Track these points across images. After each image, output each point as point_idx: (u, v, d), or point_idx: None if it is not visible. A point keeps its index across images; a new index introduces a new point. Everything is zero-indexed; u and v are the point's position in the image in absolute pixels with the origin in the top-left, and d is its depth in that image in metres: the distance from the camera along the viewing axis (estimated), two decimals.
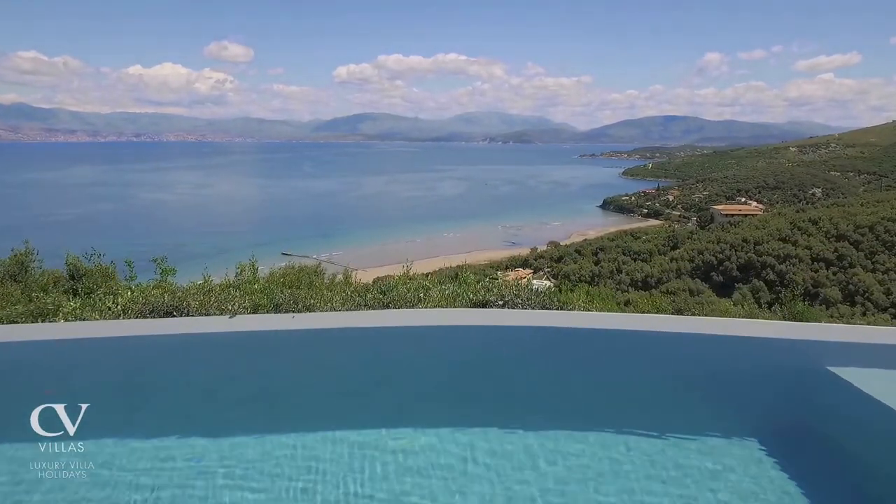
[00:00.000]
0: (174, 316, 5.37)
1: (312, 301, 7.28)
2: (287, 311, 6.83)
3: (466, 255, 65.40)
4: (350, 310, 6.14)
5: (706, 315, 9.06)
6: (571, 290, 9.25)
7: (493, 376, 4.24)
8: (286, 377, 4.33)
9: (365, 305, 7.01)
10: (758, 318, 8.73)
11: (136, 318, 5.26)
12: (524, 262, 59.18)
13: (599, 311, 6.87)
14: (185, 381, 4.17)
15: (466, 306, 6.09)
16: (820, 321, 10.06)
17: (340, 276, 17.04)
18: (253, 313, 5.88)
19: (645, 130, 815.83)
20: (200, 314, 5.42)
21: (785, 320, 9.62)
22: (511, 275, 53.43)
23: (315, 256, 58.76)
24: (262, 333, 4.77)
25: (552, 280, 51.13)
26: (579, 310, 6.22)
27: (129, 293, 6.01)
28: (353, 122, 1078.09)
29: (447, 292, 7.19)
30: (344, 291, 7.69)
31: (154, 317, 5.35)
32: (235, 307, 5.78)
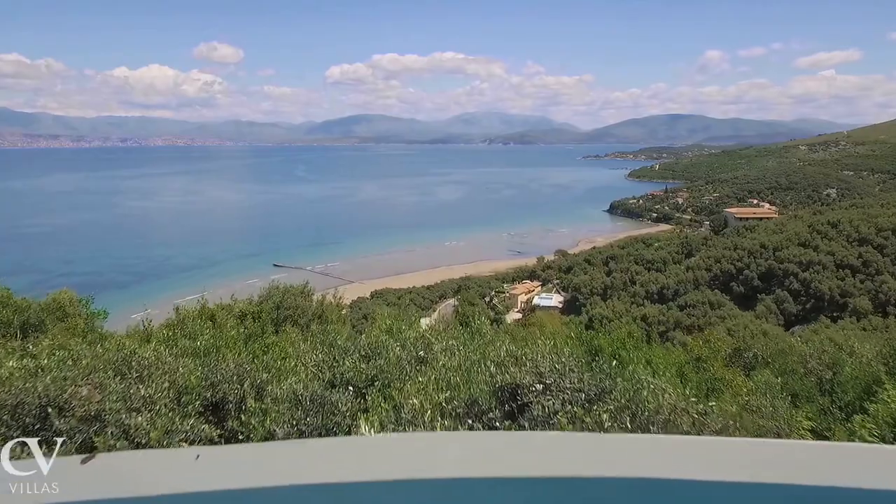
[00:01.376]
0: (47, 414, 3.92)
1: (266, 376, 5.68)
2: (224, 400, 5.35)
3: (470, 265, 63.13)
4: (312, 392, 4.66)
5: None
6: (621, 341, 7.15)
7: None
8: None
9: (340, 383, 5.44)
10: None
11: None
12: (531, 274, 57.40)
13: (665, 380, 5.14)
14: None
15: (487, 390, 4.34)
16: None
17: (330, 297, 14.94)
18: (174, 407, 4.35)
19: (650, 130, 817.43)
20: (86, 412, 3.92)
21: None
22: (518, 287, 51.55)
23: (309, 268, 56.54)
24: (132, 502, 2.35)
25: (562, 293, 49.03)
26: (647, 387, 4.47)
27: (14, 360, 4.74)
28: (347, 124, 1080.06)
29: (456, 362, 5.18)
30: (317, 351, 5.90)
31: (20, 413, 3.93)
32: (151, 391, 4.29)
